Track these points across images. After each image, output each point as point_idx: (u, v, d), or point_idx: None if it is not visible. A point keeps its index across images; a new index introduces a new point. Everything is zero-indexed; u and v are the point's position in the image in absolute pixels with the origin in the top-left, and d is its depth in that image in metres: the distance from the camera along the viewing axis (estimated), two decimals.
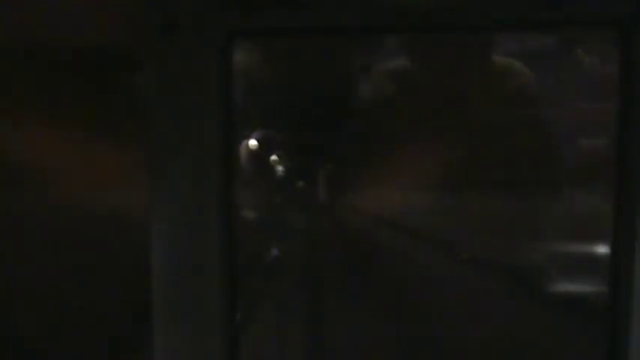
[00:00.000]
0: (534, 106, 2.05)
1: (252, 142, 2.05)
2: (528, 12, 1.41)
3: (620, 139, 1.46)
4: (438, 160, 1.91)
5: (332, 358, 2.17)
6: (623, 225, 1.47)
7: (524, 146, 1.98)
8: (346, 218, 2.06)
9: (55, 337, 1.78)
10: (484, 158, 1.97)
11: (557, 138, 2.04)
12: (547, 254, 2.05)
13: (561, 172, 2.04)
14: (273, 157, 2.08)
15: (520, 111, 2.02)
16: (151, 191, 1.50)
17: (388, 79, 2.08)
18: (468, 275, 2.02)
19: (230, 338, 1.56)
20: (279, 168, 2.09)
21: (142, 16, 1.43)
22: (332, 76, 2.09)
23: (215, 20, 1.45)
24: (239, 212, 1.61)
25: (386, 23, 1.48)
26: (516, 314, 1.96)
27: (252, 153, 2.04)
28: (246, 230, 1.81)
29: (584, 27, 1.63)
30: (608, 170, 1.50)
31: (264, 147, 2.06)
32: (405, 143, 1.95)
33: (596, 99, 1.98)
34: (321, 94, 2.06)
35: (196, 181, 1.48)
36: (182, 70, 1.45)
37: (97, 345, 1.80)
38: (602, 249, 1.82)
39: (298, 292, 2.17)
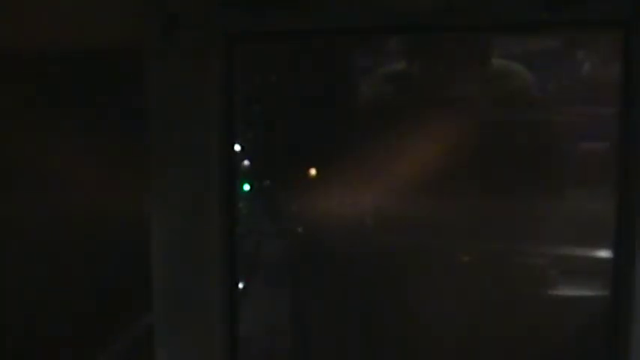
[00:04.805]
0: (535, 108, 2.05)
1: None
2: (529, 13, 1.41)
3: (621, 140, 1.45)
4: (437, 163, 1.90)
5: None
6: (625, 227, 1.47)
7: (524, 148, 1.98)
8: (343, 219, 2.05)
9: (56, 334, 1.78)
10: (484, 161, 1.96)
11: (557, 140, 2.03)
12: (549, 257, 2.05)
13: (563, 174, 2.04)
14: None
15: (520, 113, 2.02)
16: (151, 191, 1.50)
17: (387, 81, 2.08)
18: (468, 277, 2.02)
19: (230, 337, 1.56)
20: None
21: (143, 16, 1.44)
22: (331, 77, 2.09)
23: (215, 21, 1.45)
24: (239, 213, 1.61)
25: (386, 25, 1.48)
26: (517, 316, 1.95)
27: None
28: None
29: (585, 28, 1.63)
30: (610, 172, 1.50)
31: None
32: (404, 145, 1.94)
33: (598, 101, 1.97)
34: (321, 95, 2.06)
35: (197, 180, 1.48)
36: (182, 70, 1.45)
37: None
38: (604, 252, 1.82)
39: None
